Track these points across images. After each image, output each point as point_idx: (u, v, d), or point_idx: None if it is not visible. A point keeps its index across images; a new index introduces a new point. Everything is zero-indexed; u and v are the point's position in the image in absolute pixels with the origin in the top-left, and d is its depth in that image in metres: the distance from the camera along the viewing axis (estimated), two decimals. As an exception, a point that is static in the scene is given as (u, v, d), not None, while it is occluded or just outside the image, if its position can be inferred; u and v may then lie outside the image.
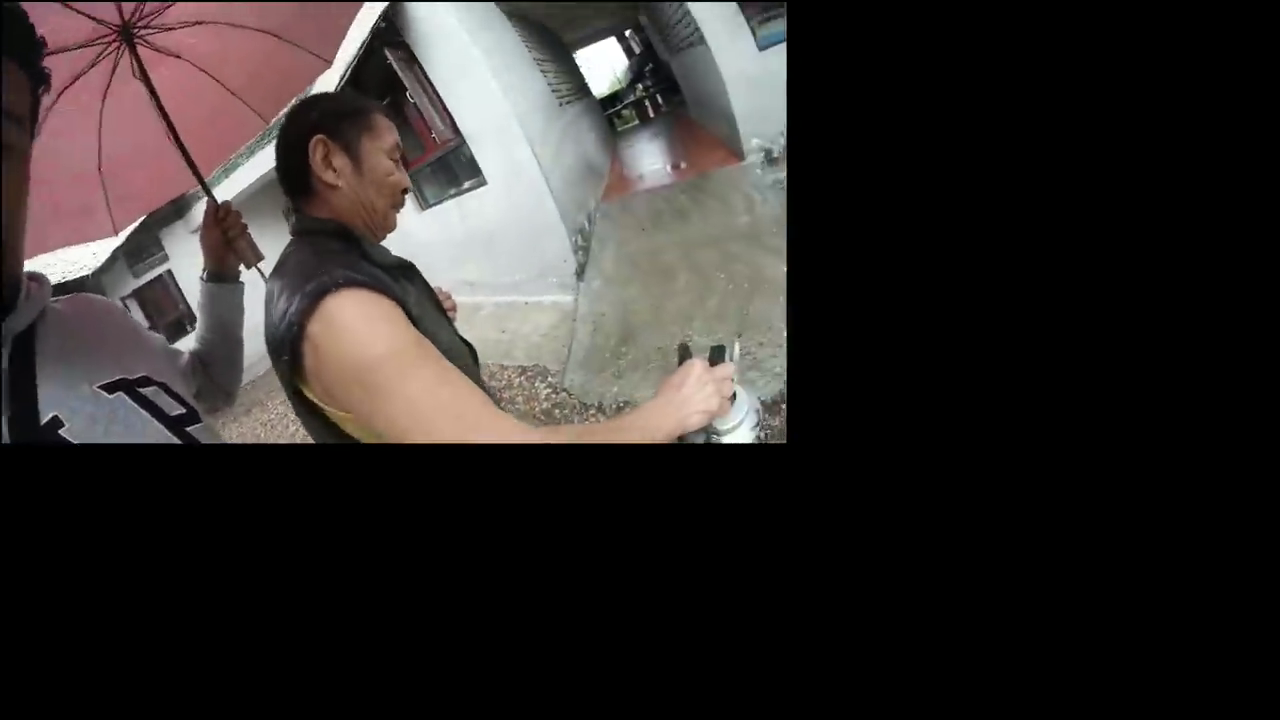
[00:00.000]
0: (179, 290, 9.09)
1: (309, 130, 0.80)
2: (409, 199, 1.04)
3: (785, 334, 2.93)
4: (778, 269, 3.36)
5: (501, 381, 4.21)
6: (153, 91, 1.16)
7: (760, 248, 3.64)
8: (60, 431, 0.56)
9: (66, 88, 1.12)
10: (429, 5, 4.26)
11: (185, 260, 8.72)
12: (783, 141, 4.67)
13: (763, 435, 0.76)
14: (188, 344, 1.02)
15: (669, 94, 9.43)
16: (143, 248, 8.81)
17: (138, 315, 8.29)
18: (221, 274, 1.05)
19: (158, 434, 0.64)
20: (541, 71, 5.81)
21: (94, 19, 1.09)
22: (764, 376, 2.80)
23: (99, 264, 8.10)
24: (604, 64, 14.18)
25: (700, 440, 0.72)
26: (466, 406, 0.64)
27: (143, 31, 1.18)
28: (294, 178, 0.83)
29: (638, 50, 11.40)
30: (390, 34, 4.52)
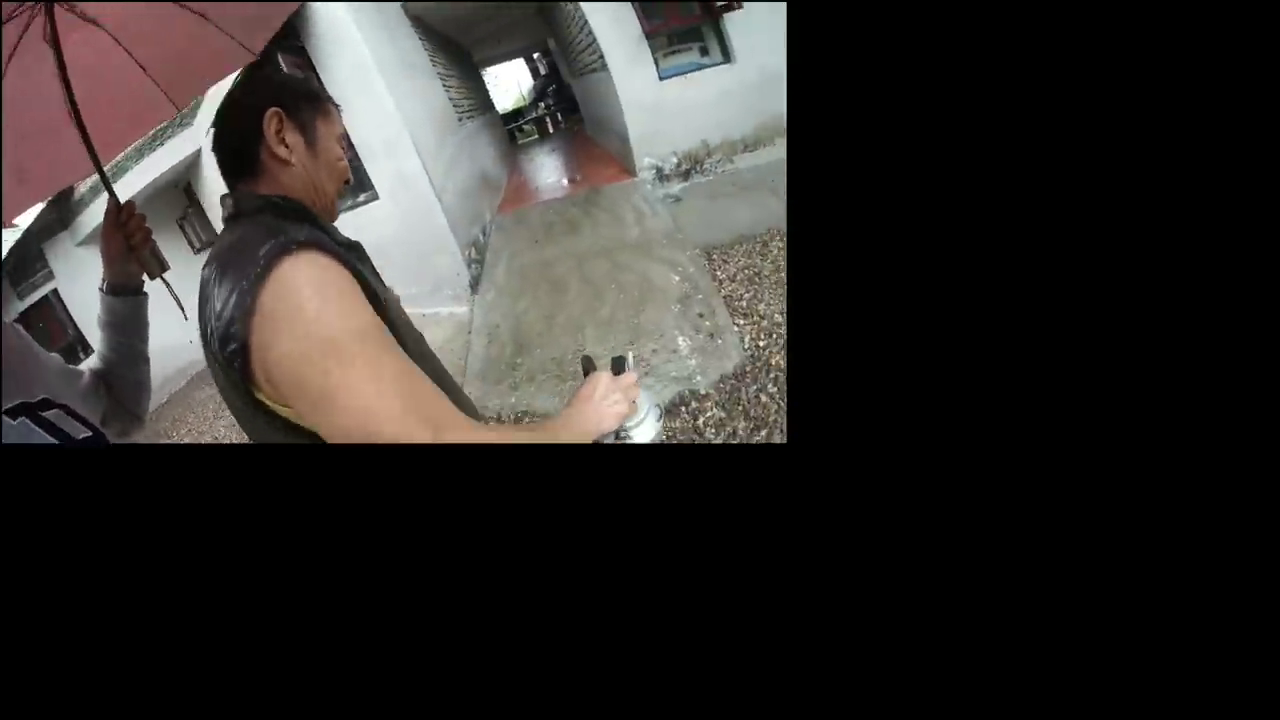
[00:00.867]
0: (67, 313, 7.73)
1: (267, 101, 0.77)
2: None
3: (678, 339, 3.26)
4: (666, 278, 3.62)
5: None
6: (60, 60, 1.03)
7: (649, 258, 3.90)
8: None
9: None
10: (329, 10, 4.22)
11: (72, 278, 7.46)
12: (673, 160, 5.05)
13: (665, 435, 0.84)
14: (90, 362, 0.96)
15: (569, 113, 9.88)
16: (25, 264, 7.59)
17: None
18: (123, 285, 0.97)
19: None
20: (444, 85, 5.89)
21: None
22: (660, 381, 2.97)
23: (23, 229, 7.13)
24: (511, 81, 14.35)
25: (611, 440, 0.79)
26: (431, 402, 0.62)
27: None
28: (241, 152, 0.78)
29: (544, 71, 11.79)
30: (290, 36, 4.42)
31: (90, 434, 0.66)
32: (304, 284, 0.60)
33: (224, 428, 5.40)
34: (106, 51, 1.18)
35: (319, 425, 0.60)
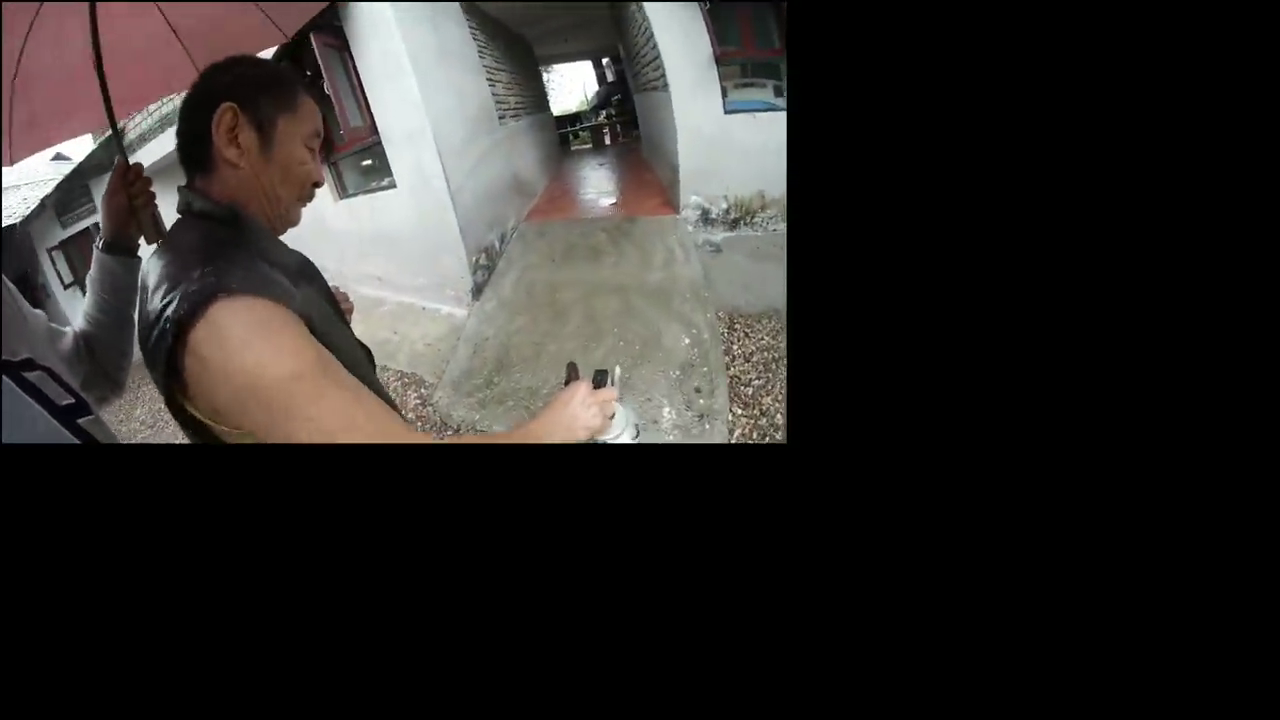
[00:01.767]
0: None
1: (220, 94, 0.73)
2: (327, 185, 0.96)
3: (664, 410, 2.86)
4: (676, 339, 3.16)
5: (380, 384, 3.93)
6: (94, 7, 1.01)
7: (665, 311, 3.44)
8: None
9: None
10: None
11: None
12: (724, 205, 4.61)
13: None
14: (76, 324, 0.96)
15: (629, 127, 9.41)
16: (72, 198, 8.23)
17: (63, 268, 8.13)
18: (120, 244, 0.98)
19: (46, 424, 0.62)
20: (490, 81, 5.61)
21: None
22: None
23: (28, 211, 7.87)
24: (576, 83, 14.19)
25: None
26: (381, 427, 0.62)
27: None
28: (192, 146, 0.75)
29: (610, 78, 11.40)
30: (328, 14, 4.29)
31: (72, 400, 0.66)
32: (236, 334, 0.59)
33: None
34: (142, 9, 1.20)
35: (254, 435, 0.60)
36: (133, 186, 0.96)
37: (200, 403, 0.61)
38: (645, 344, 3.19)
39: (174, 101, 6.04)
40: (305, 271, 0.82)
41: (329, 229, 5.35)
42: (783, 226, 4.52)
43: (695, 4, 4.26)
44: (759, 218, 4.56)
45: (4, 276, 0.75)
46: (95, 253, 0.97)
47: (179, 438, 0.66)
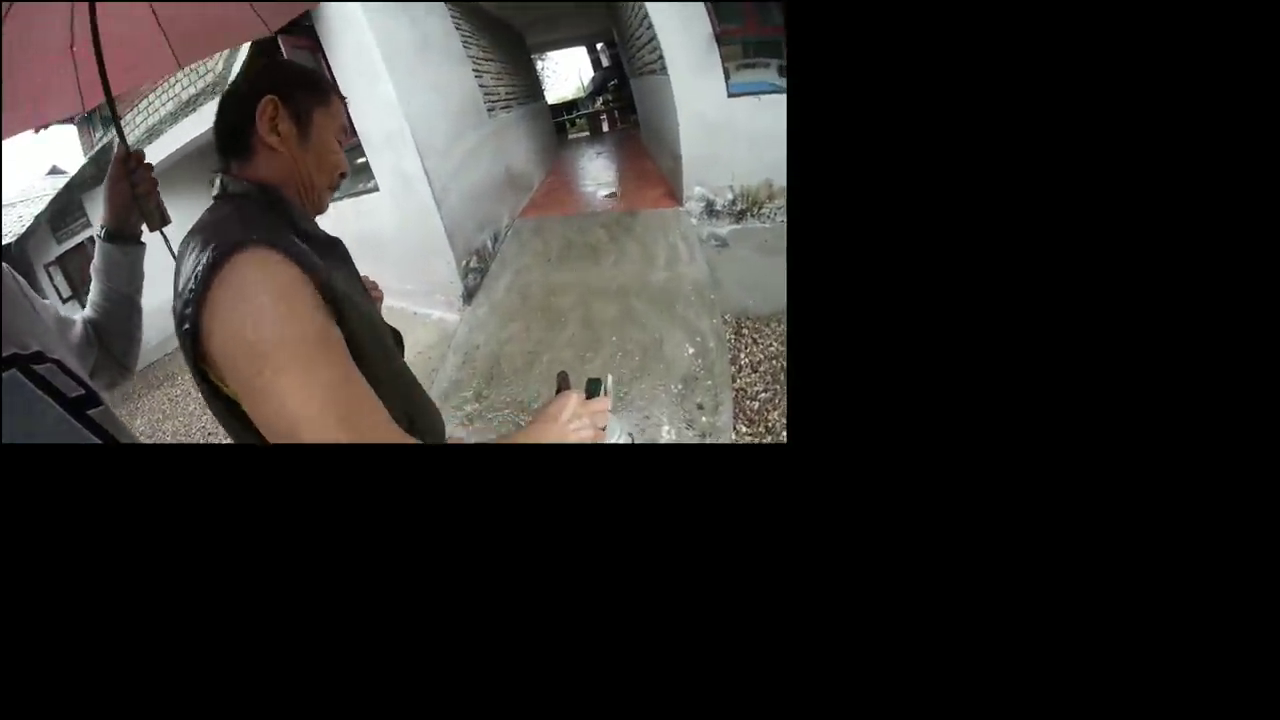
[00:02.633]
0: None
1: (265, 88, 0.81)
2: None
3: (663, 428, 2.68)
4: (679, 348, 2.97)
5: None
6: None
7: (669, 316, 3.25)
8: None
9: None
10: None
11: (107, 227, 8.29)
12: (730, 195, 4.40)
13: None
14: (85, 312, 0.98)
15: (628, 112, 9.14)
16: (66, 212, 8.41)
17: (60, 283, 8.36)
18: (122, 233, 1.00)
19: (55, 416, 0.64)
20: (476, 73, 5.39)
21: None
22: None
23: (22, 229, 7.95)
24: (571, 69, 13.95)
25: None
26: (361, 415, 0.62)
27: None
28: (234, 133, 0.82)
29: (605, 63, 11.10)
30: (300, 17, 4.09)
31: (82, 392, 0.68)
32: (250, 283, 0.62)
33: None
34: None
35: (248, 412, 0.63)
36: (134, 174, 0.98)
37: (213, 364, 0.64)
38: (645, 353, 3.00)
39: (179, 98, 5.92)
40: (337, 251, 0.86)
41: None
42: (793, 218, 4.33)
43: (692, -21, 4.04)
44: (767, 208, 4.33)
45: (14, 271, 0.77)
46: (98, 242, 0.99)
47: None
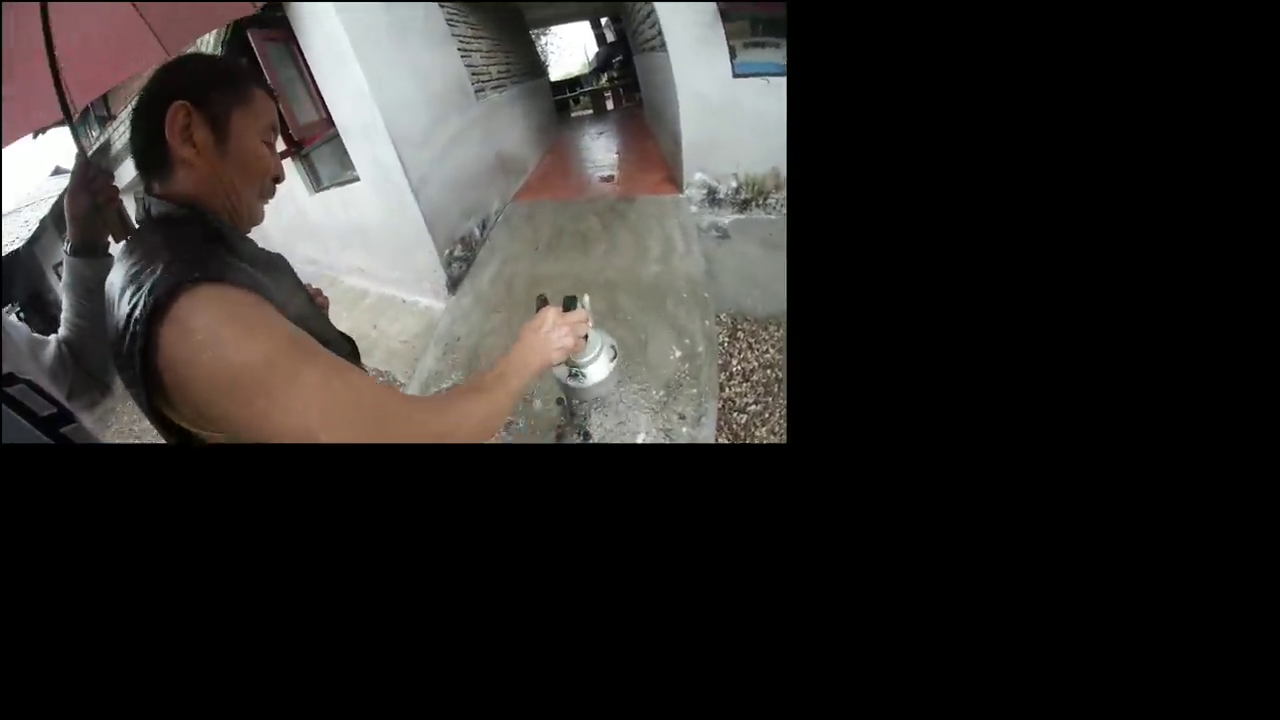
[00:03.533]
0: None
1: (173, 93, 0.73)
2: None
3: (638, 438, 2.53)
4: (664, 350, 2.79)
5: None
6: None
7: (658, 314, 3.07)
8: None
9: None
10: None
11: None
12: (733, 183, 4.20)
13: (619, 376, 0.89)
14: (60, 332, 1.01)
15: (632, 91, 8.86)
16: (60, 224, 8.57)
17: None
18: (88, 245, 1.00)
19: (29, 436, 0.64)
20: (463, 52, 5.16)
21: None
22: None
23: (29, 233, 8.18)
24: (577, 44, 13.65)
25: (565, 373, 0.88)
26: (364, 394, 0.62)
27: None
28: (147, 148, 0.76)
29: (610, 39, 10.82)
30: (269, 8, 3.96)
31: (54, 410, 0.68)
32: (204, 324, 0.59)
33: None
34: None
35: (239, 433, 0.60)
36: (94, 183, 0.96)
37: (181, 407, 0.62)
38: (629, 355, 2.82)
39: None
40: (275, 264, 0.82)
41: (309, 221, 5.20)
42: (798, 209, 4.13)
43: (695, -54, 3.80)
44: (773, 199, 4.12)
45: (54, 269, 0.82)
46: (66, 258, 0.98)
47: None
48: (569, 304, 0.86)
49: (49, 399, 0.69)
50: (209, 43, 4.25)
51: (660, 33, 4.08)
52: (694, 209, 4.16)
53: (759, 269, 3.46)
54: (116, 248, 0.84)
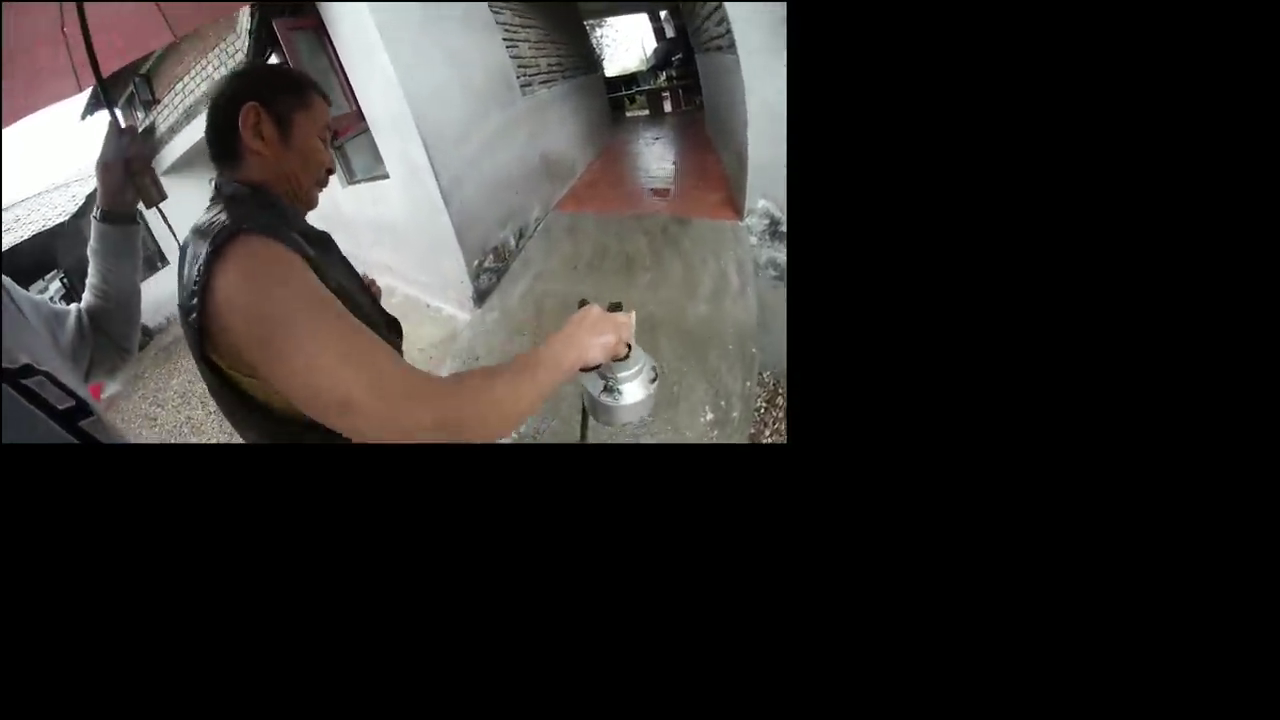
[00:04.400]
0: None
1: (246, 96, 0.87)
2: (337, 171, 1.10)
3: None
4: (694, 415, 2.37)
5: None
6: None
7: (698, 366, 2.66)
8: None
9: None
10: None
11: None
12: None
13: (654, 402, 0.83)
14: (84, 299, 1.02)
15: (691, 92, 8.40)
16: None
17: None
18: (119, 212, 1.02)
19: (46, 429, 0.66)
20: (508, 43, 4.83)
21: None
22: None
23: (77, 207, 8.67)
24: (634, 38, 13.27)
25: (599, 385, 0.83)
26: (378, 359, 0.65)
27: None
28: (221, 141, 0.88)
29: (669, 34, 10.28)
30: None
31: (73, 403, 0.69)
32: (249, 263, 0.67)
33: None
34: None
35: (266, 379, 0.67)
36: (129, 148, 1.00)
37: (222, 349, 0.69)
38: (656, 409, 2.43)
39: (211, 78, 5.84)
40: (324, 241, 0.91)
41: (342, 213, 5.09)
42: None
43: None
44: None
45: (3, 278, 0.80)
46: (94, 224, 1.01)
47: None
48: (614, 307, 0.84)
49: (68, 391, 0.69)
50: (240, 31, 4.06)
51: (728, 30, 3.64)
52: (754, 240, 3.72)
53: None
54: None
